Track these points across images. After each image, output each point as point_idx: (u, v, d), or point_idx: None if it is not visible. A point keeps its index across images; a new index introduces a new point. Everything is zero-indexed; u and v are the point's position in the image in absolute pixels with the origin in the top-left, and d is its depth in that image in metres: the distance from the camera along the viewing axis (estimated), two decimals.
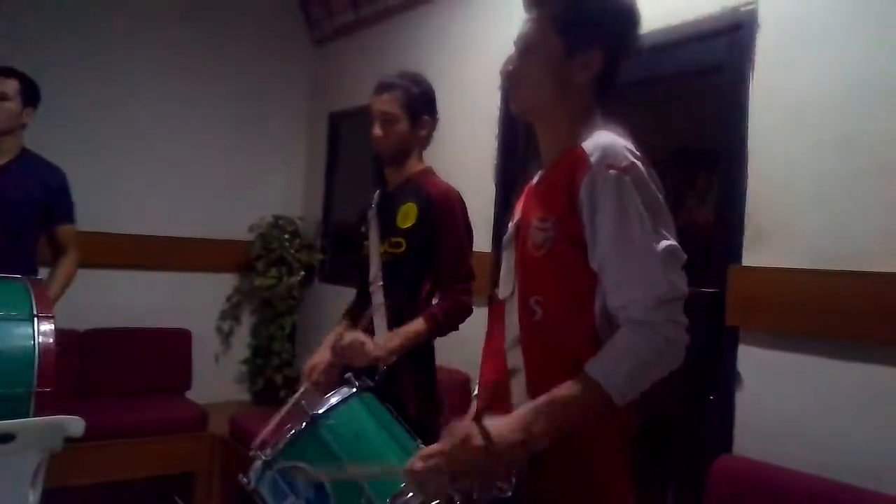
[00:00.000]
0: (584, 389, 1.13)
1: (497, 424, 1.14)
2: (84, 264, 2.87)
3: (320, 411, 1.56)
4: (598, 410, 1.16)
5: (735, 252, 2.21)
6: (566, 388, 1.15)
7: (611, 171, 1.17)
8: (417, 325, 1.99)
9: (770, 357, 2.11)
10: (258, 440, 1.61)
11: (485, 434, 1.12)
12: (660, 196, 1.20)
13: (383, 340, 1.97)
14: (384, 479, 1.38)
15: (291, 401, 1.88)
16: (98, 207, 3.84)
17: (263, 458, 1.54)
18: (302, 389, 2.03)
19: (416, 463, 1.20)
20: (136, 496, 3.54)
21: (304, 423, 1.54)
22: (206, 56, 4.43)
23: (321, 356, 2.10)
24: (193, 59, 4.39)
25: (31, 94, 2.75)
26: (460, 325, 2.07)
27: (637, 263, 1.15)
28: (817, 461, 1.94)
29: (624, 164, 1.17)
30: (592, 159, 1.18)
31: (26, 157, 2.78)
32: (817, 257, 2.01)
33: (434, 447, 1.22)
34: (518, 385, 1.25)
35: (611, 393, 1.12)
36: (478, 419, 1.13)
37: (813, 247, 2.03)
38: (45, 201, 2.76)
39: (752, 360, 2.16)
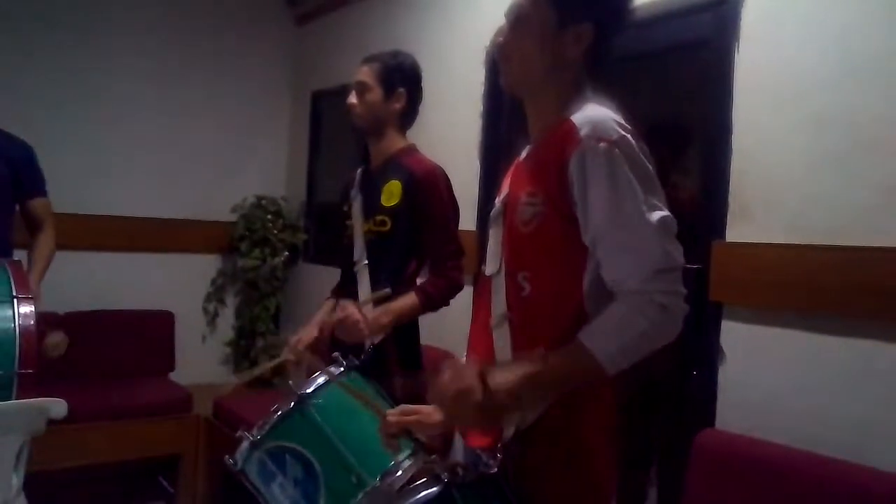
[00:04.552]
0: (576, 358, 1.13)
1: (497, 383, 1.12)
2: (66, 246, 2.80)
3: (308, 391, 1.56)
4: (588, 379, 1.16)
5: (719, 228, 2.21)
6: (560, 356, 1.15)
7: (601, 144, 1.15)
8: (409, 299, 1.98)
9: (753, 332, 2.13)
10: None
11: (486, 391, 1.11)
12: (650, 168, 1.19)
13: (373, 317, 1.95)
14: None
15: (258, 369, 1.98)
16: (79, 189, 3.81)
17: (251, 438, 1.54)
18: (281, 359, 2.06)
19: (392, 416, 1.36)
20: (121, 478, 3.54)
21: (291, 403, 1.54)
22: (186, 35, 4.35)
23: (308, 332, 2.10)
24: (174, 37, 4.31)
25: None
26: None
27: (632, 235, 1.14)
28: (799, 435, 1.96)
29: (614, 136, 1.16)
30: (582, 133, 1.17)
31: None
32: (800, 233, 2.02)
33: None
34: (504, 361, 1.25)
35: (603, 363, 1.12)
36: (482, 373, 1.12)
37: (796, 222, 2.04)
38: (10, 176, 2.58)
39: (734, 336, 2.17)
